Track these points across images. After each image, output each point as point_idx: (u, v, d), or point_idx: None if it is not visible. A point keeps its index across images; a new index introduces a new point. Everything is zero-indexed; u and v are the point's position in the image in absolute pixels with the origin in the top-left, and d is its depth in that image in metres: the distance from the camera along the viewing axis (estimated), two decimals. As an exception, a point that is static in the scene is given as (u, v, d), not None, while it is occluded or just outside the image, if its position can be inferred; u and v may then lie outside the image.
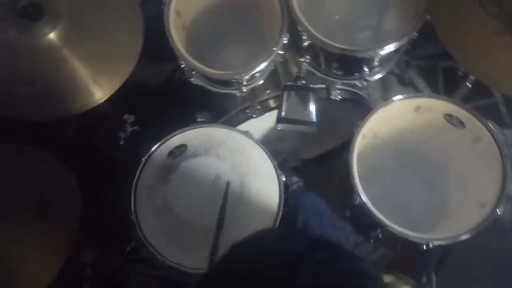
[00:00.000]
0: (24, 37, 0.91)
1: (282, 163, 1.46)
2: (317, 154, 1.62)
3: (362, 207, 1.08)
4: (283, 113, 1.16)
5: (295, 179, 1.39)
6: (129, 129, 1.49)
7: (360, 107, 1.31)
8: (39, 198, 0.87)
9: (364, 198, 1.07)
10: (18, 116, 0.93)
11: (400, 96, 1.15)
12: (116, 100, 1.37)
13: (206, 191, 1.12)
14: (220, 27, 1.27)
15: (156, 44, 1.14)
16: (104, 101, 1.20)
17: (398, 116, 1.20)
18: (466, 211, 1.11)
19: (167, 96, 1.60)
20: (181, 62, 1.05)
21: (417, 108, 1.19)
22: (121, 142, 1.48)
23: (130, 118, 1.51)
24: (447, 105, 1.14)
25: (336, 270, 0.45)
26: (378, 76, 1.22)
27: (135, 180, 1.11)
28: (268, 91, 1.29)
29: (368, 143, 1.21)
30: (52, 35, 0.92)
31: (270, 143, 1.41)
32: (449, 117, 1.14)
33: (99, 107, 1.30)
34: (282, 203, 1.07)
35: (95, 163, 1.64)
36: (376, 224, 1.08)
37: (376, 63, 1.06)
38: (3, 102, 0.94)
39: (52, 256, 0.86)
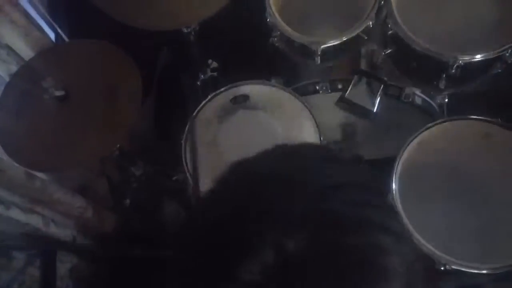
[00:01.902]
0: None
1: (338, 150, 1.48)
2: (374, 156, 1.60)
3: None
4: (347, 95, 1.18)
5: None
6: (209, 73, 1.62)
7: (429, 118, 1.27)
8: (112, 90, 1.00)
9: (397, 199, 1.06)
10: (122, 19, 1.07)
11: (470, 117, 1.10)
12: (206, 44, 1.50)
13: (251, 141, 1.19)
14: (319, 0, 1.31)
15: (260, 4, 1.23)
16: (192, 34, 1.32)
17: (464, 137, 1.15)
18: (506, 251, 1.04)
19: (253, 55, 1.68)
20: (267, 15, 1.11)
21: (486, 135, 1.13)
22: (198, 83, 1.62)
23: (213, 63, 1.64)
24: (520, 140, 1.07)
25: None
26: (457, 90, 1.17)
27: (197, 110, 1.22)
28: (343, 73, 1.31)
29: (424, 156, 1.19)
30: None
31: (329, 127, 1.44)
32: (518, 153, 1.07)
33: (191, 45, 1.43)
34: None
35: (171, 94, 1.80)
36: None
37: (454, 71, 1.03)
38: (116, 4, 1.09)
39: (111, 136, 1.00)
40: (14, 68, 1.11)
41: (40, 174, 1.10)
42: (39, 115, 1.03)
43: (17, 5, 1.08)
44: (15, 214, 0.98)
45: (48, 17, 1.22)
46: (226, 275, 0.36)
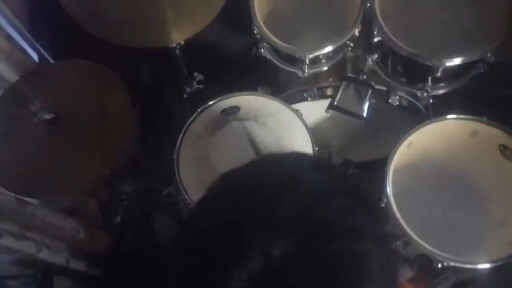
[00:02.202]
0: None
1: (327, 158, 1.50)
2: (364, 159, 1.62)
3: (387, 210, 1.08)
4: (336, 101, 1.19)
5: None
6: (195, 86, 1.62)
7: (416, 119, 1.30)
8: (101, 111, 0.99)
9: (391, 200, 1.08)
10: (106, 38, 1.06)
11: (458, 116, 1.13)
12: (191, 57, 1.49)
13: (244, 153, 1.19)
14: (304, 9, 1.33)
15: (243, 16, 1.24)
16: (177, 49, 1.32)
17: (452, 136, 1.18)
18: (496, 245, 1.07)
19: (237, 65, 1.69)
20: (254, 27, 1.12)
21: (474, 133, 1.16)
22: (185, 95, 1.61)
23: (199, 76, 1.64)
24: (504, 136, 1.10)
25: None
26: (441, 91, 1.20)
27: (187, 124, 1.21)
28: (330, 80, 1.33)
29: (415, 156, 1.21)
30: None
31: (320, 133, 1.45)
32: (503, 148, 1.10)
33: (175, 59, 1.43)
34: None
35: (156, 109, 1.79)
36: (397, 232, 1.08)
37: (439, 75, 1.05)
38: (98, 21, 1.08)
39: (102, 159, 0.98)
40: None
41: (30, 199, 1.07)
42: (27, 139, 1.01)
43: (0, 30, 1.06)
44: (8, 242, 0.95)
45: (31, 38, 1.20)
46: (216, 283, 0.38)
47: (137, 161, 1.67)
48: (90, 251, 1.35)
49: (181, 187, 1.14)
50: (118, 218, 1.58)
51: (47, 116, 0.95)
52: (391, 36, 1.05)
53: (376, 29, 1.07)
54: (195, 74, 1.63)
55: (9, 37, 1.08)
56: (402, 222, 1.06)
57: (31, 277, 1.00)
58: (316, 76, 1.31)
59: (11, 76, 1.07)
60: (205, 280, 0.39)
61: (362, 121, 1.18)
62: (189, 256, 0.41)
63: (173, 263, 0.43)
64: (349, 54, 1.26)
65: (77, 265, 1.25)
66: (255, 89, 1.39)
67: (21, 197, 1.01)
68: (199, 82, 1.62)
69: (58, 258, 1.17)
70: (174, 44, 1.31)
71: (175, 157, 1.19)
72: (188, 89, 1.61)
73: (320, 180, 0.45)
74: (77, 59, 1.13)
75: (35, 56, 1.23)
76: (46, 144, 1.02)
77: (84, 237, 1.30)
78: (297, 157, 0.52)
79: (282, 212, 0.39)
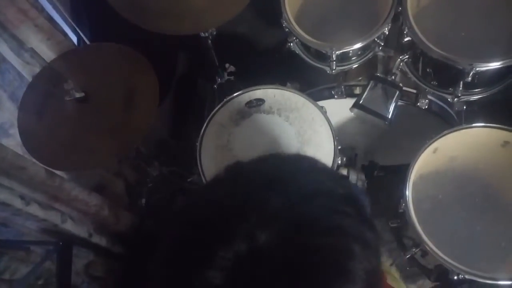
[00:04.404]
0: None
1: (353, 158, 1.48)
2: (391, 163, 1.59)
3: (405, 215, 1.06)
4: (361, 100, 1.18)
5: (362, 177, 1.40)
6: (226, 77, 1.65)
7: (447, 125, 1.26)
8: (129, 93, 1.03)
9: (410, 205, 1.05)
10: (144, 25, 1.10)
11: (489, 124, 1.09)
12: (223, 49, 1.52)
13: (264, 145, 1.20)
14: (337, 4, 1.31)
15: (276, 10, 1.24)
16: (210, 39, 1.35)
17: (482, 145, 1.13)
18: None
19: (269, 59, 1.70)
20: (283, 21, 1.12)
21: (505, 144, 1.11)
22: (215, 86, 1.64)
23: (230, 68, 1.66)
24: (538, 149, 1.05)
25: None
26: (474, 97, 1.16)
27: (212, 113, 1.24)
28: (359, 78, 1.31)
29: (440, 163, 1.17)
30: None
31: (345, 132, 1.44)
32: (535, 161, 1.05)
33: (208, 50, 1.45)
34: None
35: (189, 98, 1.83)
36: (415, 239, 1.06)
37: (470, 79, 1.01)
38: (136, 10, 1.12)
39: (127, 139, 1.03)
40: (37, 70, 1.15)
41: (59, 172, 1.13)
42: (59, 116, 1.07)
43: (42, 11, 1.12)
44: (34, 209, 1.01)
45: (71, 21, 1.26)
46: (201, 258, 0.40)
47: (166, 147, 1.72)
48: (113, 228, 1.41)
49: (201, 174, 1.17)
50: (143, 201, 1.63)
51: (78, 95, 1.00)
52: (421, 36, 1.03)
53: (406, 29, 1.04)
54: (227, 65, 1.66)
55: (50, 19, 1.14)
56: (419, 229, 1.03)
57: (53, 245, 1.06)
58: (345, 74, 1.29)
59: (50, 56, 1.13)
60: (191, 254, 0.41)
61: (387, 123, 1.16)
62: (180, 229, 0.44)
63: (164, 234, 0.45)
64: (380, 53, 1.24)
65: (99, 240, 1.31)
66: (285, 84, 1.39)
67: (51, 169, 1.07)
68: (230, 74, 1.65)
69: (81, 231, 1.23)
70: (207, 34, 1.34)
71: (198, 144, 1.22)
72: (219, 79, 1.64)
73: (315, 180, 0.47)
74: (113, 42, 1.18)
75: (74, 39, 1.29)
76: (76, 120, 1.07)
77: (108, 214, 1.36)
78: (299, 158, 0.54)
79: (271, 202, 0.41)
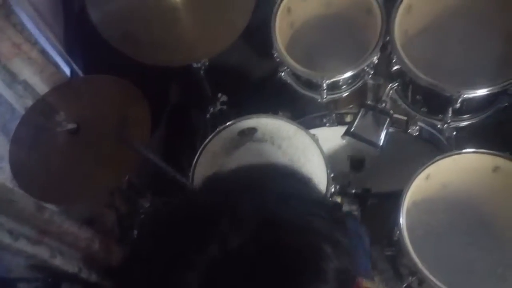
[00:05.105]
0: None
1: (346, 186, 1.48)
2: (384, 190, 1.59)
3: (400, 243, 1.05)
4: (353, 128, 1.19)
5: (354, 207, 1.40)
6: (219, 106, 1.66)
7: (438, 151, 1.27)
8: (121, 124, 1.03)
9: (404, 233, 1.04)
10: (137, 57, 1.11)
11: (479, 150, 1.10)
12: (216, 79, 1.54)
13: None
14: (326, 34, 1.35)
15: (267, 40, 1.27)
16: (202, 69, 1.37)
17: (473, 171, 1.14)
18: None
19: (260, 89, 1.72)
20: (274, 51, 1.15)
21: (496, 169, 1.12)
22: (207, 116, 1.65)
23: (223, 97, 1.68)
24: (529, 174, 1.06)
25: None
26: (464, 123, 1.17)
27: (205, 143, 1.24)
28: (350, 106, 1.33)
29: (433, 190, 1.18)
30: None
31: (337, 160, 1.44)
32: (526, 186, 1.05)
33: (200, 79, 1.47)
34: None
35: (182, 127, 1.84)
36: (411, 267, 1.05)
37: (459, 106, 1.03)
38: (129, 43, 1.14)
39: (119, 170, 1.02)
40: (29, 102, 1.15)
41: (49, 205, 1.12)
42: (51, 148, 1.06)
43: (35, 44, 1.14)
44: (23, 245, 0.99)
45: (64, 53, 1.28)
46: (178, 263, 0.40)
47: (158, 177, 1.70)
48: (103, 262, 1.38)
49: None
50: (135, 232, 1.60)
51: (70, 126, 1.00)
52: (409, 65, 1.05)
53: (395, 58, 1.07)
54: (219, 95, 1.67)
55: (43, 51, 1.15)
56: (415, 257, 1.02)
57: (41, 282, 1.03)
58: (336, 102, 1.31)
59: (43, 88, 1.14)
60: (166, 257, 0.42)
61: (378, 150, 1.17)
62: (156, 234, 0.45)
63: (141, 241, 0.48)
64: (370, 81, 1.26)
65: (89, 275, 1.28)
66: (277, 113, 1.40)
67: (41, 203, 1.06)
68: (222, 103, 1.66)
69: (71, 266, 1.20)
70: (199, 64, 1.36)
71: (190, 174, 1.21)
72: (212, 109, 1.65)
73: (288, 185, 0.49)
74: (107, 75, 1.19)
75: (67, 70, 1.30)
76: (68, 153, 1.06)
77: (98, 248, 1.33)
78: (274, 166, 0.57)
79: (244, 205, 0.43)
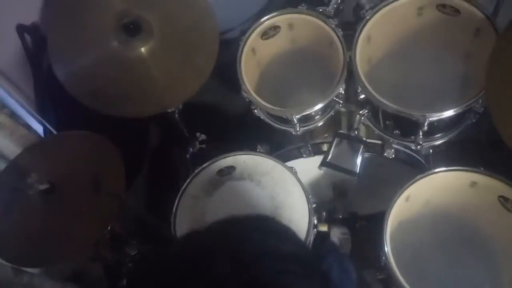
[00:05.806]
0: (122, 48, 1.12)
1: (332, 212, 1.48)
2: (371, 212, 1.59)
3: (387, 267, 1.04)
4: (328, 158, 1.20)
5: (345, 230, 1.39)
6: (198, 146, 1.66)
7: (416, 171, 1.28)
8: (95, 177, 1.03)
9: (391, 259, 1.04)
10: (108, 112, 1.12)
11: (454, 167, 1.11)
12: (193, 119, 1.55)
13: (239, 213, 1.19)
14: (294, 69, 1.37)
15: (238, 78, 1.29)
16: (176, 113, 1.38)
17: (451, 188, 1.15)
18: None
19: (238, 125, 1.73)
20: (243, 92, 1.17)
21: (473, 184, 1.13)
22: (187, 156, 1.65)
23: (201, 136, 1.68)
24: (504, 187, 1.07)
25: None
26: (437, 142, 1.19)
27: (184, 186, 1.24)
28: (326, 135, 1.34)
29: (414, 210, 1.18)
30: (143, 49, 1.12)
31: (319, 189, 1.45)
32: (503, 199, 1.06)
33: (175, 120, 1.48)
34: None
35: (164, 170, 1.83)
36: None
37: (426, 128, 1.05)
38: (99, 98, 1.15)
39: (98, 222, 1.02)
40: (2, 166, 1.14)
41: (28, 268, 1.09)
42: (26, 210, 1.05)
43: (3, 108, 1.14)
44: (3, 314, 0.96)
45: (34, 113, 1.28)
46: None
47: (142, 224, 1.68)
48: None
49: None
50: (124, 282, 1.57)
51: (42, 187, 0.99)
52: (374, 93, 1.07)
53: (359, 88, 1.09)
54: (198, 134, 1.68)
55: (13, 114, 1.15)
56: (402, 280, 1.02)
57: None
58: (312, 132, 1.32)
59: (14, 150, 1.13)
60: None
61: (355, 177, 1.17)
62: None
63: None
64: (342, 109, 1.28)
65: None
66: (255, 147, 1.41)
67: (19, 267, 1.03)
68: (201, 142, 1.67)
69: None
70: (173, 108, 1.37)
71: (172, 219, 1.20)
72: (191, 149, 1.65)
73: (261, 240, 0.50)
74: (82, 130, 1.19)
75: (40, 129, 1.30)
76: (44, 213, 1.05)
77: (87, 303, 1.30)
78: (248, 219, 0.58)
79: (218, 268, 0.44)
